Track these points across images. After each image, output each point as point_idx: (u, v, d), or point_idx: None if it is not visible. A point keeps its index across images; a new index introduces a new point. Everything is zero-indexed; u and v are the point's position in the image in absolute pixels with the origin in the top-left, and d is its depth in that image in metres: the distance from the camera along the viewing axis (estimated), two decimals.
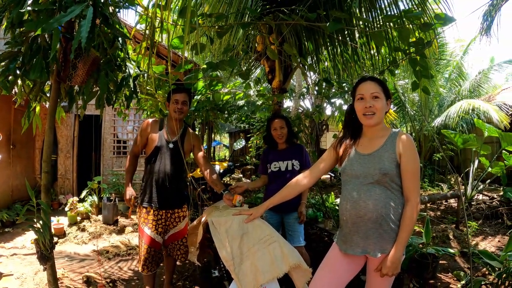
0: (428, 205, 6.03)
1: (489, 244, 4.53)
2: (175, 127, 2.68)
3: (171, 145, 2.66)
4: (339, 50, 4.02)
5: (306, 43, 3.98)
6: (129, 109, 2.83)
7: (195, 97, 3.01)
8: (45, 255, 2.11)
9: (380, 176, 1.65)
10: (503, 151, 5.53)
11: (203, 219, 2.66)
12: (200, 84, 2.77)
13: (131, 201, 2.72)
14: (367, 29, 3.16)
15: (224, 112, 3.16)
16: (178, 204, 2.73)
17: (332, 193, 5.33)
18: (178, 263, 3.26)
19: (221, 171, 3.50)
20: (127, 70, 2.24)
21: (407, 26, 2.12)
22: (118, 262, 4.03)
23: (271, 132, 3.04)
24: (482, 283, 2.77)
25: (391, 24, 2.94)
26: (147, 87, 2.81)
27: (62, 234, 4.83)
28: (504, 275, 2.46)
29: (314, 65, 4.45)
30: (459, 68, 10.38)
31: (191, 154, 2.88)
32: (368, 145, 1.78)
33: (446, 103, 10.17)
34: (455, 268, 3.69)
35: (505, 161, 5.57)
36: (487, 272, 3.17)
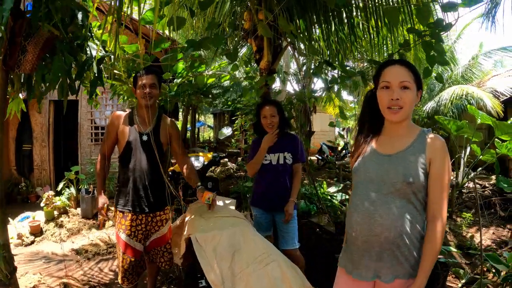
0: None
1: (484, 237, 4.45)
2: (147, 116, 2.33)
3: (145, 138, 2.32)
4: (333, 29, 3.70)
5: (298, 21, 3.66)
6: (96, 97, 2.45)
7: (175, 80, 2.67)
8: (4, 282, 1.79)
9: (403, 185, 1.32)
10: (496, 139, 5.43)
11: (186, 218, 2.40)
12: (180, 65, 2.43)
13: (104, 210, 2.38)
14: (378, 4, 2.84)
15: (208, 96, 2.84)
16: (159, 206, 2.40)
17: (325, 182, 5.12)
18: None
19: (206, 163, 3.24)
20: (88, 51, 1.86)
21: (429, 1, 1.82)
22: (98, 262, 3.81)
23: (260, 119, 2.69)
24: (489, 284, 2.64)
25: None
26: (116, 72, 2.44)
27: (38, 232, 4.54)
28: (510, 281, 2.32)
29: (306, 44, 4.18)
30: (451, 52, 10.21)
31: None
32: (389, 144, 1.44)
33: (437, 88, 10.03)
34: (453, 264, 3.57)
35: (497, 149, 5.49)
36: (485, 269, 3.05)
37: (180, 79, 2.64)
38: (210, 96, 2.91)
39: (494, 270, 2.59)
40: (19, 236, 4.28)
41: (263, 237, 1.88)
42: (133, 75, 2.49)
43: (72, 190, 5.51)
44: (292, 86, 8.99)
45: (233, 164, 8.72)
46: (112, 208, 2.51)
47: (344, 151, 11.84)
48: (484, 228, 4.76)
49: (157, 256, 2.49)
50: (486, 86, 8.63)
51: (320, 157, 11.77)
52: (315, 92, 2.83)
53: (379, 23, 3.48)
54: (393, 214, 1.33)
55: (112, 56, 1.80)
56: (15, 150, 5.99)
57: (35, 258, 3.84)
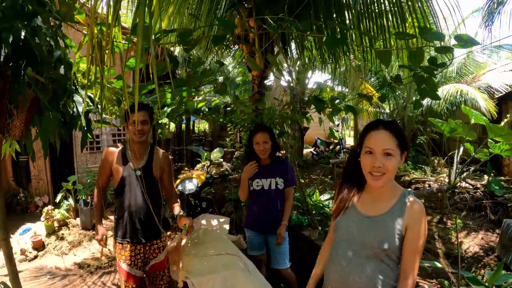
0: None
1: (472, 242, 4.57)
2: (140, 151, 2.43)
3: (138, 173, 2.39)
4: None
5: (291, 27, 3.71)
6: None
7: (165, 108, 2.73)
8: None
9: (379, 249, 1.39)
10: (489, 139, 5.51)
11: (183, 242, 2.50)
12: (168, 99, 2.49)
13: (104, 241, 2.51)
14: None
15: (199, 113, 2.90)
16: (155, 235, 2.50)
17: (317, 191, 5.19)
18: None
19: (199, 185, 3.32)
20: (74, 108, 1.86)
21: (421, 46, 1.84)
22: (101, 276, 3.92)
23: (253, 145, 2.75)
24: None
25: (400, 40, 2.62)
26: (105, 116, 2.48)
27: (41, 247, 4.64)
28: None
29: (298, 52, 4.20)
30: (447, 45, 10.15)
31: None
32: (371, 205, 1.48)
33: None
34: (440, 273, 3.69)
35: (490, 149, 5.57)
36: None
37: (170, 108, 2.70)
38: (201, 114, 2.97)
39: None
40: (22, 252, 4.38)
41: (253, 278, 2.00)
42: (124, 103, 2.54)
43: (71, 201, 5.58)
44: (286, 83, 8.91)
45: (229, 164, 8.73)
46: (111, 238, 2.60)
47: (339, 147, 11.90)
48: (473, 233, 4.86)
49: (157, 279, 2.61)
50: (481, 82, 8.57)
51: (315, 152, 11.85)
52: (304, 113, 2.88)
53: (372, 32, 3.53)
54: (367, 277, 1.40)
55: (100, 107, 1.82)
56: (12, 162, 6.03)
57: (40, 274, 3.94)
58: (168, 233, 4.54)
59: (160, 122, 2.88)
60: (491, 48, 9.38)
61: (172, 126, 12.05)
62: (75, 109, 1.87)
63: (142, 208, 2.40)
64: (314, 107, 2.42)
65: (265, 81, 3.66)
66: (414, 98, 9.54)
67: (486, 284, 2.51)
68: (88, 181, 6.01)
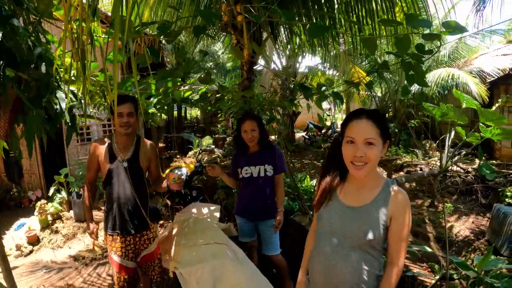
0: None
1: (463, 226, 4.63)
2: (126, 143, 2.45)
3: (125, 164, 2.41)
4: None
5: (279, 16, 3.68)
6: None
7: (151, 99, 2.72)
8: None
9: (363, 240, 1.38)
10: (480, 124, 5.54)
11: (174, 230, 2.52)
12: (153, 89, 2.47)
13: (94, 234, 2.54)
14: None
15: (187, 102, 2.89)
16: (145, 226, 2.53)
17: (308, 176, 5.20)
18: None
19: (189, 173, 3.30)
20: (57, 105, 1.84)
21: (407, 33, 1.81)
22: (96, 267, 3.96)
23: (241, 133, 2.77)
24: (458, 286, 2.81)
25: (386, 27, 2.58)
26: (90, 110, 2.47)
27: (36, 241, 4.65)
28: (478, 285, 2.47)
29: (287, 37, 4.18)
30: (438, 30, 10.13)
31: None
32: (353, 195, 1.46)
33: (424, 68, 10.04)
34: (430, 257, 3.75)
35: (481, 134, 5.61)
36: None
37: (156, 98, 2.68)
38: (189, 102, 2.95)
39: (465, 276, 2.72)
40: (18, 247, 4.39)
41: (240, 267, 2.02)
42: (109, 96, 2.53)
43: (64, 193, 5.57)
44: (276, 67, 8.82)
45: (220, 150, 8.70)
46: (101, 231, 2.62)
47: (330, 131, 11.92)
48: (464, 216, 4.93)
49: (149, 270, 2.66)
50: (473, 66, 8.56)
51: (307, 137, 11.90)
52: (292, 100, 2.86)
53: (361, 19, 3.51)
54: (351, 267, 1.39)
55: (83, 101, 1.80)
56: (3, 157, 5.98)
57: (36, 268, 3.96)
58: (162, 221, 4.57)
59: (149, 111, 2.86)
60: (483, 32, 9.36)
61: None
62: (58, 106, 1.84)
63: (130, 200, 2.42)
64: (302, 94, 2.40)
65: (255, 67, 3.64)
66: (405, 82, 9.55)
67: (475, 269, 2.56)
68: (80, 173, 5.99)
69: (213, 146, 8.36)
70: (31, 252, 4.46)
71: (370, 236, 1.36)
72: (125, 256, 2.47)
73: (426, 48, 1.91)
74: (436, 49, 1.86)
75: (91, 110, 2.54)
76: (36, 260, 4.21)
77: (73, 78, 2.24)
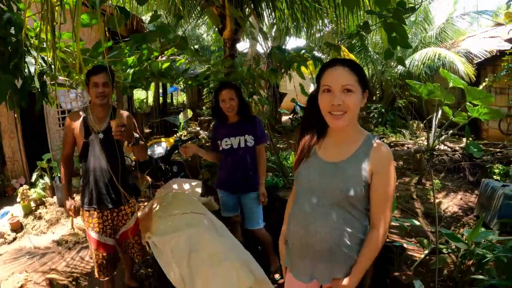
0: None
1: (451, 202, 4.63)
2: (102, 114, 2.37)
3: (101, 136, 2.34)
4: None
5: None
6: (48, 102, 2.38)
7: (128, 70, 2.62)
8: None
9: (342, 197, 1.29)
10: (468, 103, 5.54)
11: (154, 206, 2.44)
12: (130, 59, 2.36)
13: (72, 211, 2.44)
14: None
15: (167, 77, 2.78)
16: (123, 201, 2.44)
17: (293, 153, 5.14)
18: None
19: (168, 148, 3.19)
20: (26, 70, 1.75)
21: None
22: (79, 251, 3.89)
23: (219, 104, 2.67)
24: (447, 259, 2.78)
25: None
26: (61, 78, 2.35)
27: (19, 228, 4.54)
28: (469, 257, 2.45)
29: (269, 12, 4.06)
30: (425, 11, 10.04)
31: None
32: (333, 150, 1.38)
33: (411, 49, 9.98)
34: (419, 232, 3.74)
35: (468, 113, 5.62)
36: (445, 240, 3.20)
37: (133, 69, 2.57)
38: (169, 77, 2.83)
39: (455, 247, 2.70)
40: (1, 235, 4.29)
41: (217, 236, 1.94)
42: (86, 68, 2.43)
43: (46, 179, 5.44)
44: (260, 45, 8.66)
45: (206, 132, 8.56)
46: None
47: None
48: (452, 193, 4.94)
49: (128, 248, 2.58)
50: (460, 47, 8.55)
51: (294, 118, 11.84)
52: (275, 70, 2.76)
53: None
54: (330, 226, 1.31)
55: (54, 67, 1.70)
56: None
57: (19, 254, 3.88)
58: (146, 203, 4.49)
59: (127, 85, 2.75)
60: (471, 15, 9.35)
61: (150, 100, 11.89)
62: (27, 70, 1.75)
63: (107, 172, 2.34)
64: (284, 65, 2.32)
65: (240, 48, 3.54)
66: (393, 64, 9.51)
67: (466, 241, 2.54)
68: None
69: (198, 128, 8.23)
70: (14, 239, 4.36)
71: (350, 192, 1.28)
72: (103, 232, 2.40)
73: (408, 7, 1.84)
74: (418, 5, 1.79)
75: (61, 78, 2.42)
76: (20, 247, 4.12)
77: (43, 45, 2.14)
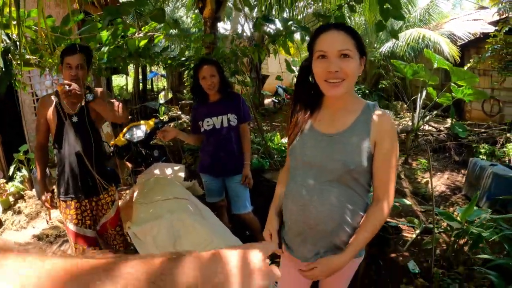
0: None
1: (438, 182, 4.65)
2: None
3: (74, 119, 2.17)
4: None
5: None
6: (19, 84, 2.19)
7: (103, 48, 2.43)
8: None
9: (343, 172, 1.18)
10: (452, 84, 5.53)
11: (135, 194, 2.31)
12: (104, 34, 2.17)
13: (48, 202, 2.27)
14: None
15: (145, 57, 2.60)
16: (100, 189, 2.27)
17: (278, 134, 5.03)
18: None
19: (148, 131, 3.00)
20: None
21: None
22: (61, 244, 3.75)
23: (199, 81, 2.48)
24: (440, 239, 2.75)
25: None
26: (29, 57, 2.17)
27: None
28: (462, 236, 2.41)
29: None
30: None
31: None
32: (330, 121, 1.26)
33: (395, 29, 9.96)
34: (408, 211, 3.73)
35: (452, 93, 5.62)
36: (438, 218, 3.18)
37: (108, 47, 2.39)
38: (148, 56, 2.66)
39: (447, 226, 2.67)
40: None
41: (203, 222, 1.80)
42: (59, 49, 2.24)
43: (24, 171, 5.20)
44: (242, 28, 8.45)
45: (187, 116, 8.34)
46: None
47: None
48: (439, 173, 4.95)
49: (110, 239, 2.43)
50: (443, 29, 8.58)
51: (276, 100, 11.80)
52: (258, 46, 2.61)
53: None
54: (330, 205, 1.20)
55: (19, 43, 1.53)
56: None
57: None
58: (127, 191, 4.34)
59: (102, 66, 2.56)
60: None
61: (130, 87, 11.65)
62: None
63: (81, 159, 2.17)
64: (269, 38, 2.18)
65: (221, 31, 3.38)
66: (376, 45, 9.46)
67: (459, 219, 2.51)
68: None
69: (179, 112, 8.01)
70: None
71: (351, 165, 1.17)
72: (82, 223, 2.23)
73: None
74: None
75: (30, 57, 2.23)
76: None
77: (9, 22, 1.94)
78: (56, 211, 4.27)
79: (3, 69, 1.80)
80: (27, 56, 2.14)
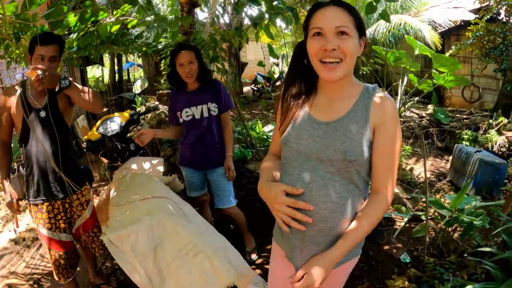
0: None
1: (422, 168, 4.63)
2: (42, 87, 1.92)
3: (42, 114, 1.97)
4: None
5: None
6: None
7: (71, 35, 2.24)
8: None
9: (343, 163, 1.06)
10: (433, 70, 5.55)
11: (111, 192, 2.15)
12: (72, 19, 1.96)
13: (14, 206, 2.07)
14: None
15: (119, 44, 2.42)
16: (68, 191, 2.05)
17: (259, 122, 4.90)
18: None
19: (123, 124, 2.82)
20: None
21: None
22: (39, 248, 3.57)
23: (176, 68, 2.33)
24: (430, 226, 2.72)
25: None
26: None
27: None
28: (454, 225, 2.37)
29: None
30: None
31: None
32: (327, 107, 1.14)
33: (376, 15, 9.88)
34: (395, 199, 3.70)
35: (433, 80, 5.65)
36: (424, 205, 3.15)
37: (77, 33, 2.19)
38: (121, 43, 2.47)
39: (436, 214, 2.63)
40: None
41: (185, 223, 1.66)
42: (25, 38, 2.03)
43: None
44: (221, 17, 8.25)
45: (165, 107, 8.11)
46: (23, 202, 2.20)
47: (279, 81, 11.64)
48: (422, 159, 4.95)
49: (88, 242, 2.29)
50: (424, 16, 8.62)
51: (255, 88, 11.71)
52: (239, 29, 2.46)
53: None
54: (331, 202, 1.08)
55: None
56: None
57: None
58: (105, 187, 4.14)
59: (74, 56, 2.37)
60: None
61: (106, 78, 11.35)
62: None
63: (52, 157, 1.97)
64: (252, 20, 2.03)
65: (196, 12, 3.22)
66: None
67: (449, 207, 2.48)
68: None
69: (157, 103, 7.78)
70: None
71: (351, 155, 1.04)
72: (56, 227, 2.07)
73: None
74: None
75: None
76: None
77: None
78: (28, 215, 4.07)
79: None
80: None
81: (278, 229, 1.28)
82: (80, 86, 2.00)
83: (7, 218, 4.34)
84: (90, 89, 2.08)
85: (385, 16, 1.88)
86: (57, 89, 1.98)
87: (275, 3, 1.77)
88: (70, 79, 2.00)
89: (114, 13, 2.14)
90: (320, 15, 1.05)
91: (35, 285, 2.85)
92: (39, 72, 1.77)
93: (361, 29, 1.07)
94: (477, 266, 2.24)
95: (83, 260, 2.58)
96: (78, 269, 2.30)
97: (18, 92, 2.00)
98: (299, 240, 1.14)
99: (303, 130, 1.14)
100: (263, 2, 1.91)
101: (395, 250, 2.62)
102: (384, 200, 1.08)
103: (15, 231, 3.72)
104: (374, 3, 1.77)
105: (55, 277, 2.18)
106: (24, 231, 3.98)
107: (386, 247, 2.70)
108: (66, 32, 2.16)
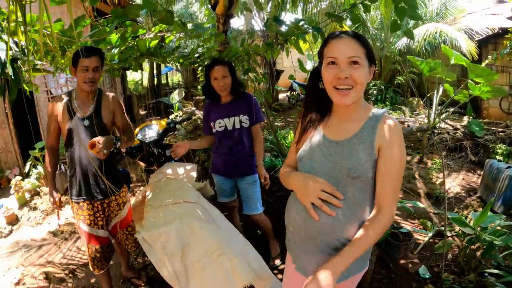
0: None
1: (453, 183, 4.53)
2: (87, 99, 2.21)
3: (86, 122, 2.18)
4: None
5: None
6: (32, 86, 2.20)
7: (113, 50, 2.45)
8: None
9: (348, 180, 1.16)
10: (469, 81, 5.39)
11: (147, 193, 2.32)
12: (114, 37, 2.18)
13: (57, 204, 2.30)
14: None
15: (157, 56, 2.61)
16: (112, 191, 2.29)
17: (291, 131, 4.98)
18: None
19: (160, 131, 3.00)
20: None
21: None
22: (75, 241, 3.83)
23: (211, 82, 2.47)
24: (453, 243, 2.70)
25: None
26: (38, 62, 2.19)
27: (15, 220, 4.44)
28: (475, 242, 2.35)
29: None
30: None
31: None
32: (337, 128, 1.25)
33: (411, 24, 9.72)
34: (421, 213, 3.66)
35: (470, 91, 5.48)
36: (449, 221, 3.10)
37: (118, 49, 2.40)
38: (159, 55, 2.66)
39: (460, 231, 2.60)
40: None
41: (213, 228, 1.80)
42: (70, 51, 2.25)
43: (40, 168, 5.32)
44: (257, 24, 8.40)
45: (201, 112, 8.37)
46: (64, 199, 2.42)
47: None
48: (454, 173, 4.83)
49: (122, 239, 2.49)
50: (460, 24, 8.33)
51: (291, 96, 11.73)
52: (271, 44, 2.58)
53: None
54: (333, 218, 1.17)
55: (27, 50, 1.54)
56: None
57: (16, 248, 3.80)
58: (141, 188, 4.36)
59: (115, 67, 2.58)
60: None
61: (145, 82, 11.73)
62: None
63: (94, 161, 2.19)
64: (280, 38, 2.15)
65: (235, 26, 3.35)
66: (392, 39, 9.30)
67: (472, 225, 2.45)
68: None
69: (194, 109, 8.00)
70: (10, 232, 4.27)
71: (354, 172, 1.15)
72: (94, 224, 2.28)
73: None
74: None
75: (39, 62, 2.26)
76: (16, 240, 4.04)
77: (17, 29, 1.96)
78: (67, 210, 4.38)
79: (12, 77, 1.82)
80: (36, 62, 2.16)
81: (288, 239, 1.38)
82: (125, 138, 2.32)
83: (47, 212, 4.65)
84: (130, 133, 2.40)
85: (409, 33, 1.94)
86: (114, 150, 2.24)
87: (301, 23, 1.87)
88: (110, 95, 2.32)
89: (152, 29, 2.33)
90: (335, 45, 1.17)
91: (70, 275, 3.06)
92: (98, 144, 2.00)
93: (371, 58, 1.19)
94: (495, 286, 2.21)
95: (117, 254, 2.80)
96: (111, 262, 2.52)
97: (65, 100, 2.23)
98: (300, 248, 1.28)
99: (316, 148, 1.26)
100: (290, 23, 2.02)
101: (410, 265, 2.62)
102: (387, 216, 1.15)
103: (59, 225, 4.01)
104: (399, 21, 1.83)
105: (90, 268, 2.39)
106: (63, 224, 4.28)
107: (402, 262, 2.71)
108: (107, 47, 2.38)
